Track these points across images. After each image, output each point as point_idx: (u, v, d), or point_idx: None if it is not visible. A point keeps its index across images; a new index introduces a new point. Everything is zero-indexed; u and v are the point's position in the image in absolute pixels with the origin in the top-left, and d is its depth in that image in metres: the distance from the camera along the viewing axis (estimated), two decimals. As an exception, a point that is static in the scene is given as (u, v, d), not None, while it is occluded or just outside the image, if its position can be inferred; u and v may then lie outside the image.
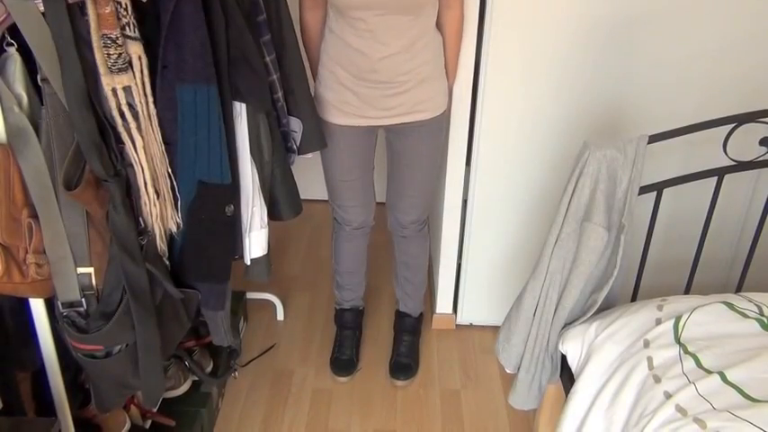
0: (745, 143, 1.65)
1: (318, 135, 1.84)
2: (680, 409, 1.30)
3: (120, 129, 1.32)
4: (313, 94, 1.88)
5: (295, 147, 1.81)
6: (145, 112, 1.35)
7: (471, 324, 2.49)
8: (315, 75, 1.92)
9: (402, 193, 2.07)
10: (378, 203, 2.16)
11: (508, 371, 1.76)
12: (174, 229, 1.51)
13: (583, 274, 1.56)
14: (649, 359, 1.43)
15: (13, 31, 1.19)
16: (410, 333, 2.33)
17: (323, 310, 2.56)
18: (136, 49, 1.30)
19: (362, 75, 1.80)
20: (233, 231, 1.63)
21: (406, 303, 2.33)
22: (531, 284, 1.64)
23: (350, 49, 1.77)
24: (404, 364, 2.26)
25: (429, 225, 2.26)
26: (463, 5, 1.86)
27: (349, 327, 2.34)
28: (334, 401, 2.17)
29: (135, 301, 1.41)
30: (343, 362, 2.27)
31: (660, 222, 1.81)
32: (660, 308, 1.56)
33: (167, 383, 1.88)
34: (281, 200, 1.79)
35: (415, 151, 1.98)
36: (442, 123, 1.96)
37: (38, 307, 1.40)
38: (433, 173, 2.06)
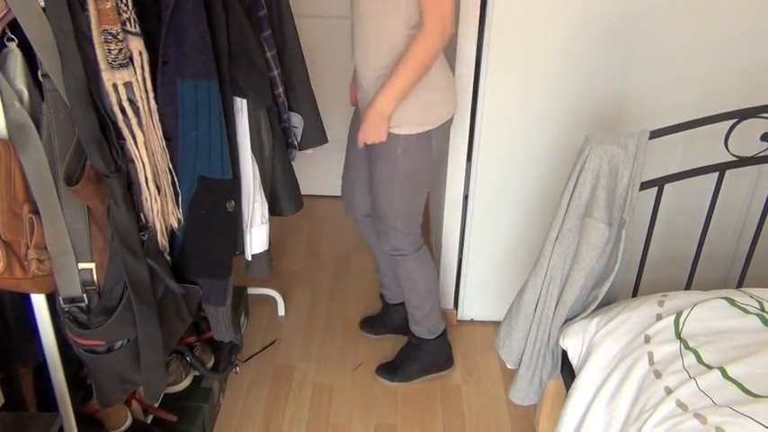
0: (746, 139, 1.64)
1: (319, 131, 1.84)
2: (680, 405, 1.30)
3: (121, 124, 1.32)
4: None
5: (296, 142, 1.82)
6: (146, 108, 1.34)
7: (472, 320, 2.49)
8: None
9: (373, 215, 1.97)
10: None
11: (509, 366, 1.77)
12: (175, 224, 1.51)
13: (584, 270, 1.56)
14: (650, 354, 1.43)
15: (14, 26, 1.19)
16: (408, 346, 2.24)
17: (324, 305, 2.56)
18: (137, 45, 1.30)
19: None
20: (234, 227, 1.63)
21: (410, 322, 2.21)
22: (531, 280, 1.64)
23: None
24: (392, 364, 2.22)
25: (425, 251, 2.05)
26: (431, 33, 1.61)
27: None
28: (335, 396, 2.17)
29: (136, 297, 1.41)
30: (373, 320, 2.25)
31: (661, 218, 1.81)
32: (661, 303, 1.56)
33: (168, 379, 1.88)
34: (282, 195, 1.79)
35: (374, 167, 1.83)
36: (394, 147, 1.74)
37: (39, 302, 1.40)
38: (390, 200, 1.83)
